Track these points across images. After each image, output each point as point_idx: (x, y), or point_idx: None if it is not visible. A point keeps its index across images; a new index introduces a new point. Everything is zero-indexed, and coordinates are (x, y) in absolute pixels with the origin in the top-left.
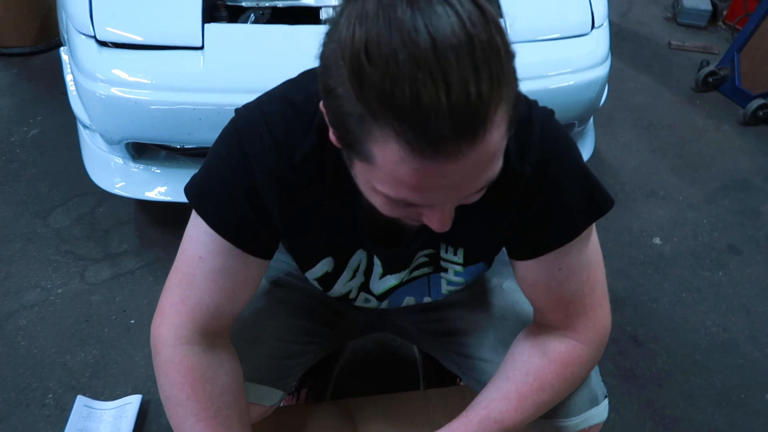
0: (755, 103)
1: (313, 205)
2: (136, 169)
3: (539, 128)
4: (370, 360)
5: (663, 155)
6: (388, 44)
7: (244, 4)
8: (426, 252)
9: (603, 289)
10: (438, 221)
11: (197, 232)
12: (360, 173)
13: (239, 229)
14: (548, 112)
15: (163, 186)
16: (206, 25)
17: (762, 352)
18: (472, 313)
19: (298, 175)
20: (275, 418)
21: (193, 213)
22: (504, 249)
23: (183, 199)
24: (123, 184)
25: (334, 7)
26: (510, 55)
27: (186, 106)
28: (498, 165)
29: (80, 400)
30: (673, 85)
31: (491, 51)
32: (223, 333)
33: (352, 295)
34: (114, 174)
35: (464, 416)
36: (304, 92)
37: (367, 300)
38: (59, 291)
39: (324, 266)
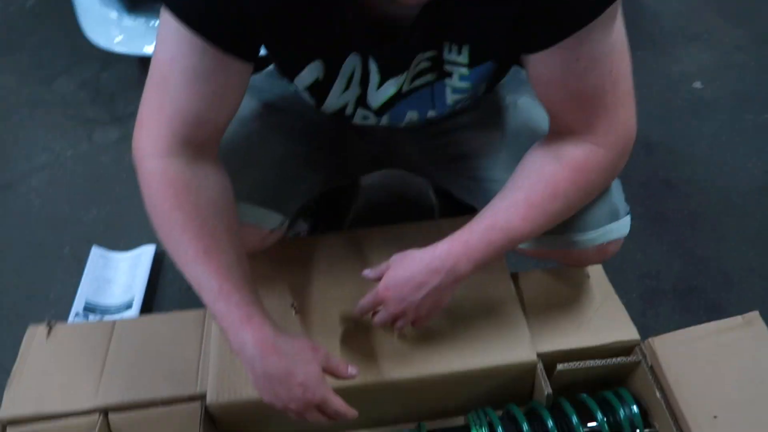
0: None
1: None
2: (132, 23)
3: None
4: (383, 208)
5: None
6: None
7: None
8: (427, 55)
9: (628, 86)
10: None
11: (167, 31)
12: None
13: (211, 21)
14: None
15: None
16: None
17: None
18: (484, 133)
19: None
20: (279, 249)
21: (162, 11)
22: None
23: None
24: (121, 38)
25: None
26: None
27: None
28: None
29: (95, 251)
30: None
31: None
32: (208, 146)
33: (348, 111)
34: (111, 29)
35: (467, 227)
36: None
37: (365, 117)
38: (68, 153)
39: (313, 72)
